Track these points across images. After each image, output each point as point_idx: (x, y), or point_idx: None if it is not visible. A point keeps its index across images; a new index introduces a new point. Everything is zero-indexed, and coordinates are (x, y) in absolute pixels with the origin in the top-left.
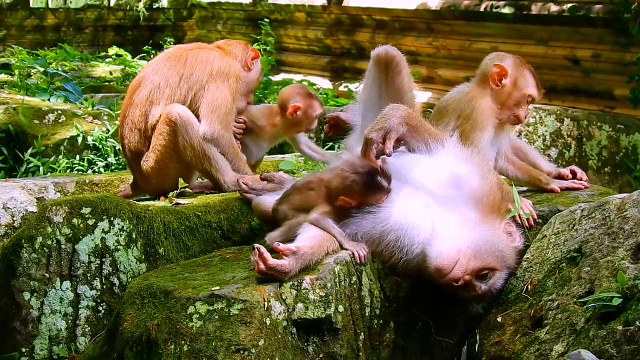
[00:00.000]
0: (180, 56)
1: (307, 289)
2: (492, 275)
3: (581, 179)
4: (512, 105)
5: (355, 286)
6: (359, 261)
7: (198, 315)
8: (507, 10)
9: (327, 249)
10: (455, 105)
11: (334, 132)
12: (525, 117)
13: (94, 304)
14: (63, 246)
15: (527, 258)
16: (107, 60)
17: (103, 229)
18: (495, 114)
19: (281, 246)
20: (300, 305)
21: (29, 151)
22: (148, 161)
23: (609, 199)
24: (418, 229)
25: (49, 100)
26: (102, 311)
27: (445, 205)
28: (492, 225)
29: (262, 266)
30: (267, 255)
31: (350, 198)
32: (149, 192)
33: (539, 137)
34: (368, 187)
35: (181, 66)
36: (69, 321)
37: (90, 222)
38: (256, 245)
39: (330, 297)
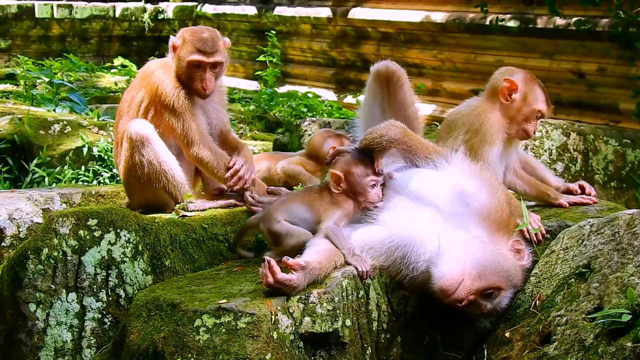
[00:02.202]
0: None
1: (315, 302)
2: (497, 294)
3: (590, 194)
4: (521, 120)
5: (362, 300)
6: (362, 277)
7: (205, 329)
8: (512, 23)
9: (335, 263)
10: (465, 119)
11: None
12: (534, 132)
13: (99, 316)
14: (69, 258)
15: (536, 273)
16: (112, 70)
17: (109, 241)
18: (505, 128)
19: (290, 261)
20: (307, 319)
21: (35, 162)
22: (121, 175)
23: (618, 215)
24: (425, 246)
25: (54, 110)
26: (108, 323)
27: (453, 221)
28: (499, 242)
29: (270, 279)
30: (276, 268)
31: (338, 170)
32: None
33: (545, 151)
34: (354, 157)
35: (136, 81)
36: (75, 333)
37: (97, 233)
38: (267, 257)
39: (338, 311)
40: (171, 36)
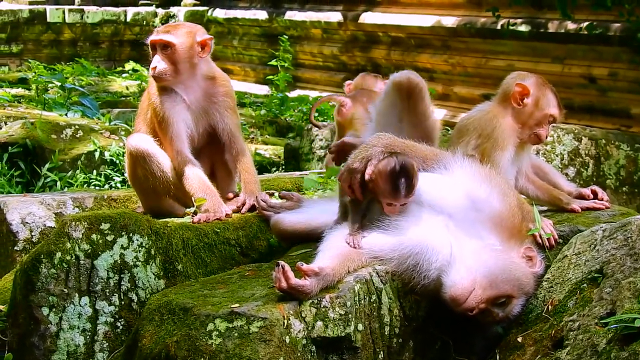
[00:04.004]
0: None
1: (327, 307)
2: (509, 302)
3: (602, 199)
4: (533, 125)
5: (374, 305)
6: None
7: (217, 333)
8: (523, 28)
9: (348, 268)
10: (476, 124)
11: (342, 157)
12: (547, 137)
13: (112, 319)
14: (82, 262)
15: (548, 278)
16: (123, 75)
17: (122, 245)
18: (516, 133)
19: (305, 266)
20: (319, 323)
21: (47, 166)
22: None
23: (630, 220)
24: (437, 254)
25: (66, 115)
26: (121, 327)
27: (465, 228)
28: (511, 250)
29: (284, 284)
30: (290, 273)
31: (371, 171)
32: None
33: (557, 156)
34: (389, 173)
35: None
36: (87, 337)
37: (109, 238)
38: (281, 262)
39: (350, 315)
40: None
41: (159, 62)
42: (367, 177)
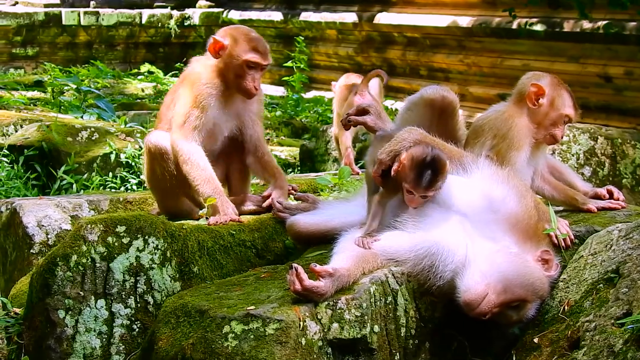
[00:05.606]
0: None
1: (343, 308)
2: (523, 306)
3: (618, 199)
4: (548, 125)
5: (390, 306)
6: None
7: (233, 335)
8: (539, 27)
9: (363, 269)
10: (492, 124)
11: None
12: (562, 137)
13: (128, 322)
14: (98, 264)
15: (564, 278)
16: (139, 77)
17: (138, 248)
18: (532, 133)
19: (318, 267)
20: (335, 325)
21: (62, 168)
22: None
23: None
24: (452, 255)
25: (82, 117)
26: (137, 330)
27: (481, 229)
28: (527, 253)
29: (298, 286)
30: (304, 275)
31: (405, 157)
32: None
33: (573, 155)
34: (417, 163)
35: (177, 82)
36: (104, 339)
37: (125, 240)
38: (294, 264)
39: (366, 317)
40: (213, 36)
41: (260, 83)
42: (392, 173)
